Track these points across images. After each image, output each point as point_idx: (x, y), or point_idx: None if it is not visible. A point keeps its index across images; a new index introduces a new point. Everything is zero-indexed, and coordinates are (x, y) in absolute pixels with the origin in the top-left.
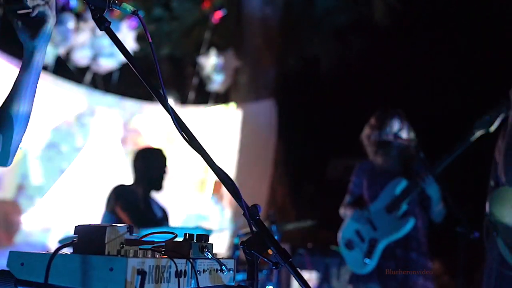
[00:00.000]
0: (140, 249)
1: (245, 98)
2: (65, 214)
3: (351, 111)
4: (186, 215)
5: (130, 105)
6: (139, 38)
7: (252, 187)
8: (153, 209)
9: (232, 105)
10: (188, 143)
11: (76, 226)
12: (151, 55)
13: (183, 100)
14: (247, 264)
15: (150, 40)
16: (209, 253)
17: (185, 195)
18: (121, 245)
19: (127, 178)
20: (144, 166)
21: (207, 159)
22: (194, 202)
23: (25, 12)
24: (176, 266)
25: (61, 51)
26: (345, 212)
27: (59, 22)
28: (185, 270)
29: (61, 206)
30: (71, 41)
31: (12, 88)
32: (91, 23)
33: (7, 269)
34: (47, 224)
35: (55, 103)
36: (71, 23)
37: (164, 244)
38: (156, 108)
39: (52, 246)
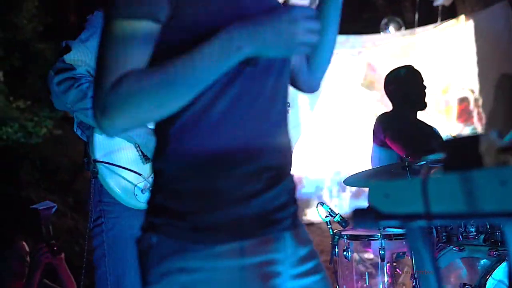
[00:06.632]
0: None
1: (474, 7)
2: (322, 160)
3: None
4: None
5: (354, 41)
6: None
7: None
8: (433, 129)
9: (461, 18)
10: None
11: (444, 141)
12: None
13: (409, 25)
14: None
15: None
16: None
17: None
18: (497, 154)
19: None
20: (399, 88)
21: None
22: (441, 128)
23: None
24: None
25: None
26: None
27: None
28: None
29: (318, 150)
30: None
31: None
32: None
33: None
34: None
35: None
36: None
37: None
38: (380, 37)
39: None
